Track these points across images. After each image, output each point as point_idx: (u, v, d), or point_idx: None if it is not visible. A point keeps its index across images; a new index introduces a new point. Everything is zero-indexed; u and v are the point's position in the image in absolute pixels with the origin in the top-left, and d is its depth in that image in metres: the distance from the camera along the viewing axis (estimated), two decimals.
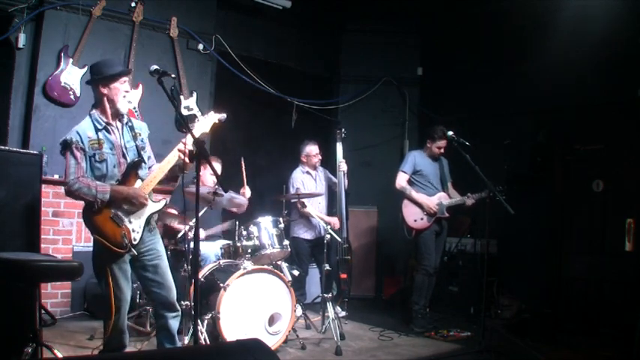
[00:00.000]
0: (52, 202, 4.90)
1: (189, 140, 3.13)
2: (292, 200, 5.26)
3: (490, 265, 4.62)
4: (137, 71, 5.36)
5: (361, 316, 5.61)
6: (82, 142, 3.06)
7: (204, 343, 3.65)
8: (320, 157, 5.57)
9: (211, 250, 4.70)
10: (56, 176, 4.95)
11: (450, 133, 4.84)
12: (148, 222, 3.17)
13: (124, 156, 3.17)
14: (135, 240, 3.09)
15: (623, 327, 4.48)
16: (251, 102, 6.70)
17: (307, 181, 5.51)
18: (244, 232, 4.41)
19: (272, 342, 4.01)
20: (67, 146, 3.07)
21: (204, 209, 4.34)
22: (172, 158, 3.17)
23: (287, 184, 5.47)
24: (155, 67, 3.04)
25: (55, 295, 4.86)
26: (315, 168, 5.57)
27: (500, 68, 6.45)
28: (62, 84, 5.02)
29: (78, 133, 3.09)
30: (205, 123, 3.41)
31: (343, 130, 5.55)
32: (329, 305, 4.57)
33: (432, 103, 7.28)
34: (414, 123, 7.37)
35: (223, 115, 3.47)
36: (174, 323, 3.25)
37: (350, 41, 7.50)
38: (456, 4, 6.74)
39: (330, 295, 4.71)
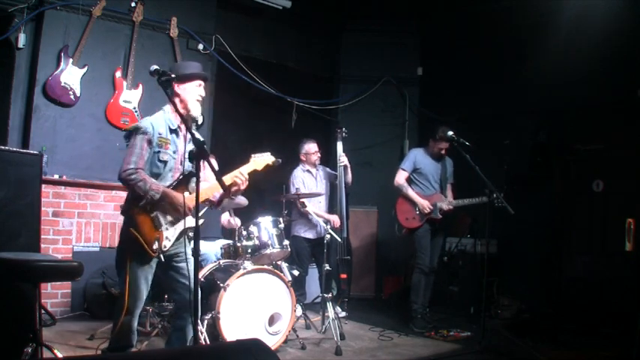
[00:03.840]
0: (52, 202, 4.90)
1: (245, 170, 3.21)
2: (293, 200, 5.26)
3: (490, 265, 4.63)
4: (137, 71, 5.37)
5: (361, 316, 5.61)
6: (153, 136, 3.07)
7: (204, 343, 3.65)
8: (319, 155, 5.56)
9: (211, 250, 4.70)
10: (56, 176, 4.96)
11: (451, 133, 4.84)
12: (180, 235, 3.16)
13: (181, 163, 3.19)
14: (165, 247, 3.07)
15: (623, 327, 4.48)
16: (251, 102, 6.70)
17: (308, 179, 5.51)
18: (244, 232, 4.41)
19: (272, 342, 4.01)
20: (137, 133, 3.05)
21: (205, 209, 4.34)
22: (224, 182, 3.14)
23: (287, 184, 5.46)
24: (155, 67, 3.04)
25: (55, 295, 4.86)
26: (314, 166, 5.56)
27: (500, 68, 6.45)
28: (62, 84, 5.02)
29: (152, 125, 3.09)
30: (260, 162, 3.41)
31: (344, 129, 5.55)
32: (329, 305, 4.57)
33: (432, 103, 7.28)
34: (414, 123, 7.38)
35: (279, 160, 3.49)
36: (191, 328, 3.21)
37: (350, 41, 7.50)
38: (455, 3, 6.74)
39: (330, 295, 4.71)
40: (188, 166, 3.20)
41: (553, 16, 5.93)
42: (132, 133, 3.08)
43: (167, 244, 3.08)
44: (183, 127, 3.17)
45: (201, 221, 3.21)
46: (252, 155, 3.45)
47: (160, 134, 3.09)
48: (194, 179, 3.18)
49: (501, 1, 6.36)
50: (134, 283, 3.04)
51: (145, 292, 3.11)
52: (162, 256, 3.06)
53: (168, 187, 3.10)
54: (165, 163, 3.11)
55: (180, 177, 3.16)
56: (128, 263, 3.03)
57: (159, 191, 3.01)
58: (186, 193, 3.14)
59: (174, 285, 3.21)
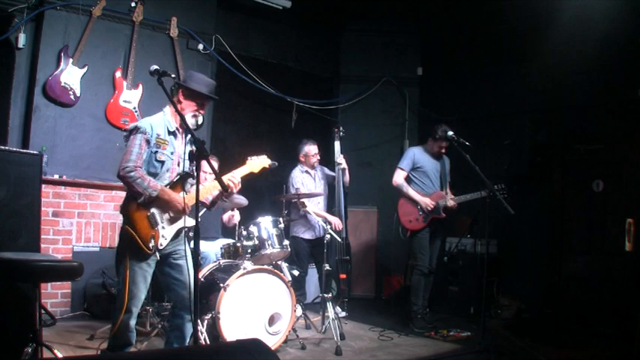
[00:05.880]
0: (52, 202, 4.91)
1: (239, 173, 3.27)
2: (292, 200, 5.25)
3: (490, 265, 4.62)
4: (137, 71, 5.37)
5: (361, 316, 5.61)
6: (151, 136, 3.11)
7: (204, 343, 3.65)
8: (318, 157, 5.55)
9: (211, 250, 4.70)
10: (56, 176, 4.96)
11: (450, 133, 4.83)
12: (177, 234, 3.20)
13: (178, 164, 3.24)
14: (161, 245, 3.11)
15: (623, 327, 4.49)
16: (251, 102, 6.70)
17: (307, 180, 5.51)
18: (244, 232, 4.41)
19: (272, 342, 4.02)
20: (136, 132, 3.10)
21: (203, 210, 4.34)
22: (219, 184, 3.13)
23: (287, 184, 5.46)
24: (155, 67, 3.05)
25: (55, 295, 4.86)
26: (313, 167, 5.56)
27: (500, 68, 6.45)
28: (62, 84, 5.02)
29: (151, 126, 3.14)
30: (256, 164, 3.47)
31: (341, 128, 5.54)
32: (329, 305, 4.57)
33: (432, 103, 7.27)
34: (414, 123, 7.38)
35: (275, 163, 3.57)
36: (189, 326, 3.23)
37: (350, 41, 7.50)
38: (455, 4, 6.74)
39: (330, 295, 4.71)
40: (185, 167, 3.25)
41: (553, 16, 5.92)
42: (131, 132, 3.14)
43: (163, 242, 3.12)
44: (181, 129, 3.25)
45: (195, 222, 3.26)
46: (249, 158, 3.51)
47: (158, 135, 3.14)
48: (190, 180, 3.25)
49: (501, 1, 6.35)
50: (133, 281, 3.07)
51: (144, 291, 3.13)
52: (158, 254, 3.09)
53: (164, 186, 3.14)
54: (162, 163, 3.16)
55: (177, 177, 3.20)
56: (127, 262, 3.07)
57: (156, 189, 3.06)
58: (182, 193, 3.18)
59: (170, 282, 3.23)
